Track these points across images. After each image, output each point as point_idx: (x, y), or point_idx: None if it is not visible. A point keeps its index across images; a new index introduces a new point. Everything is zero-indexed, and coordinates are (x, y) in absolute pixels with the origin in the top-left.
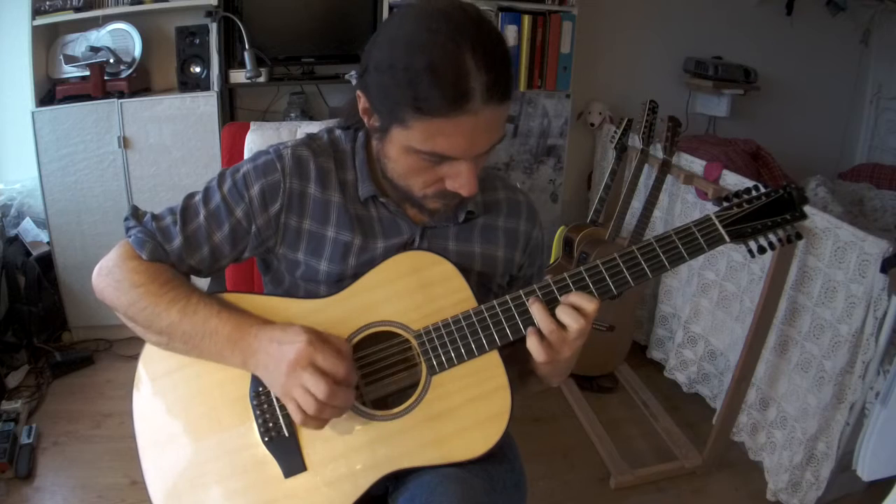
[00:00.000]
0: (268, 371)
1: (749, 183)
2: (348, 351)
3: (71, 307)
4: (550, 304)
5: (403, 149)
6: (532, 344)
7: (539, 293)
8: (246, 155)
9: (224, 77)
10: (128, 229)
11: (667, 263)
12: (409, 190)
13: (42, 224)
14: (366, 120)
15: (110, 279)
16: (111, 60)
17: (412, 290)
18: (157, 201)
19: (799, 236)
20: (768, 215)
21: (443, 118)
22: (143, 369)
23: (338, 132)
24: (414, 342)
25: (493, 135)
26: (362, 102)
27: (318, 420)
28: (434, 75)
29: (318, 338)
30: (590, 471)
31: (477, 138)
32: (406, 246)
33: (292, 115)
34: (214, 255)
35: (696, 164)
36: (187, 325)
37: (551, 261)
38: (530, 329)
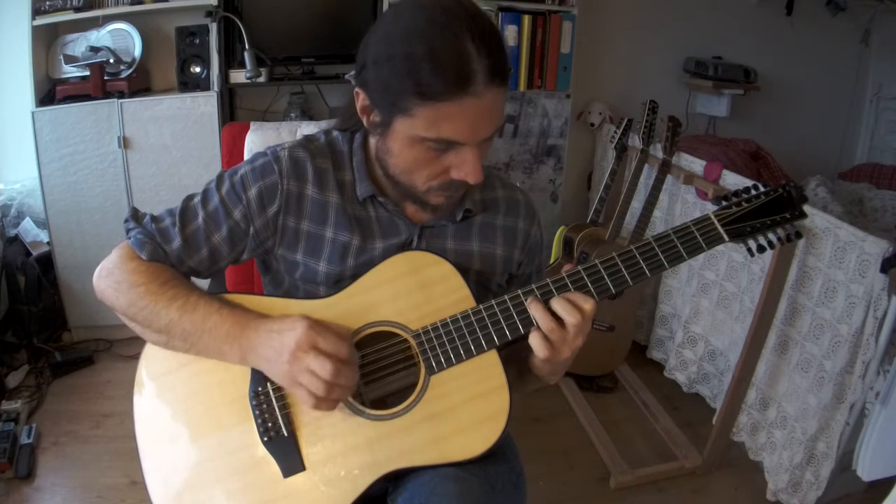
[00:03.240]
0: (270, 363)
1: (749, 183)
2: (348, 333)
3: (71, 307)
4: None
5: (408, 140)
6: (535, 340)
7: (537, 293)
8: (246, 155)
9: (224, 77)
10: (128, 231)
11: (665, 262)
12: (412, 185)
13: (42, 224)
14: (364, 119)
15: (110, 280)
16: (111, 60)
17: (411, 290)
18: (157, 201)
19: (798, 235)
20: (767, 214)
21: (447, 101)
22: (143, 369)
23: (335, 133)
24: (413, 342)
25: (496, 119)
26: (360, 100)
27: (329, 401)
28: (435, 60)
29: (317, 322)
30: (590, 471)
31: (481, 122)
32: (404, 246)
33: (292, 115)
34: (213, 257)
35: (696, 164)
36: (187, 322)
37: (551, 261)
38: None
